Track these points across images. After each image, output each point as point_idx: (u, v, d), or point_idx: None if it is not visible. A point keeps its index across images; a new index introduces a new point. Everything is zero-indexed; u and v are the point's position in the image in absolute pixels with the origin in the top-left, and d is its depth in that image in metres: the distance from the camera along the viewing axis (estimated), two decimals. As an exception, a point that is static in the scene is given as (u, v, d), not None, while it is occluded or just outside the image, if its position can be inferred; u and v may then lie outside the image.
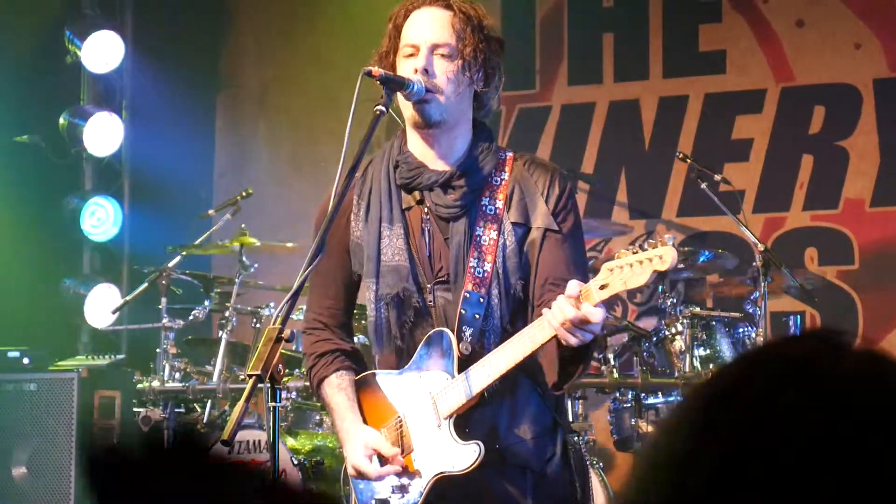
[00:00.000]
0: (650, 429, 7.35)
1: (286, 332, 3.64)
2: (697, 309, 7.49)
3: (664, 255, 3.66)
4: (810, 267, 8.81)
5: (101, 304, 9.61)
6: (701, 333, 7.34)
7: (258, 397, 4.79)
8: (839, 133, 8.91)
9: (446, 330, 4.07)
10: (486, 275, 4.09)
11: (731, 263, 7.77)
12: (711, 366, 7.27)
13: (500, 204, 4.12)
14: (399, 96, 4.00)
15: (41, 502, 8.40)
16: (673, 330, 7.35)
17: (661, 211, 9.22)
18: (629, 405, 7.38)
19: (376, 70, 3.90)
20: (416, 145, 4.17)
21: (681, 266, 7.49)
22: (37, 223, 9.90)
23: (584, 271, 4.13)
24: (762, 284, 7.23)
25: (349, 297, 4.32)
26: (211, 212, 8.75)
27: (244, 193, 8.47)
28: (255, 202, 8.67)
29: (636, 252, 3.71)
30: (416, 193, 4.16)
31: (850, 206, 8.83)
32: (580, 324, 3.68)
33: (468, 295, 4.06)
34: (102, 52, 9.90)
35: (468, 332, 4.04)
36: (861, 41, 8.88)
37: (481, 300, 4.07)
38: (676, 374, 7.25)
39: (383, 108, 3.92)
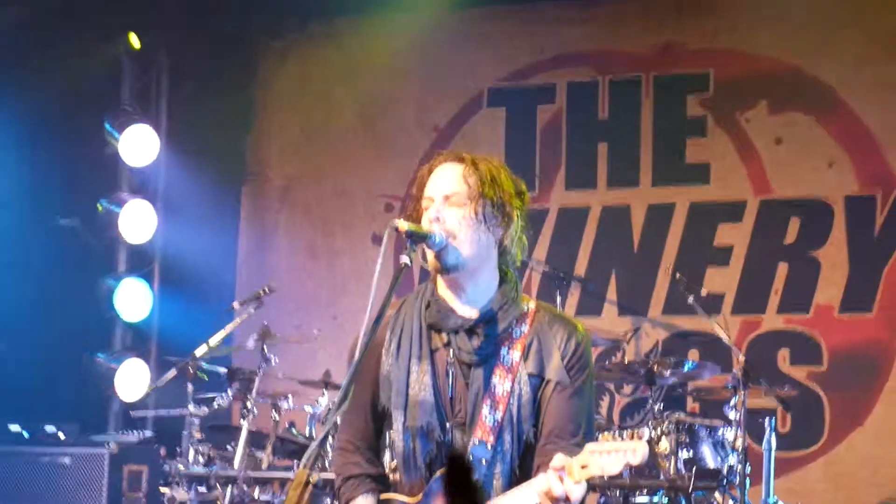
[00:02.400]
0: None
1: (314, 477, 3.61)
2: (682, 415, 7.48)
3: (637, 450, 3.68)
4: (782, 367, 8.82)
5: (131, 378, 9.72)
6: (685, 437, 7.24)
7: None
8: (812, 244, 8.90)
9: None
10: (496, 423, 4.04)
11: (713, 372, 7.73)
12: (694, 467, 7.16)
13: (517, 356, 4.08)
14: (422, 247, 4.01)
15: None
16: (659, 431, 7.21)
17: (647, 310, 9.16)
18: (616, 502, 7.31)
19: (402, 225, 3.92)
20: (445, 290, 4.14)
21: (667, 373, 7.48)
22: (73, 300, 10.03)
23: (589, 426, 4.12)
24: (742, 393, 7.24)
25: (378, 424, 4.21)
26: (235, 304, 8.51)
27: (267, 289, 8.33)
28: (278, 297, 8.49)
29: (615, 440, 3.71)
30: (444, 335, 4.11)
31: (821, 311, 8.82)
32: (562, 500, 3.74)
33: (476, 442, 4.01)
34: (139, 144, 10.09)
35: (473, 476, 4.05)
36: (834, 160, 8.91)
37: (489, 447, 4.02)
38: (661, 475, 7.14)
39: (408, 261, 3.92)
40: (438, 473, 4.03)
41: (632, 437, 3.69)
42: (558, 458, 3.75)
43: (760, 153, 9.14)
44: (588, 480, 3.75)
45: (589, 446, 3.74)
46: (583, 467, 3.70)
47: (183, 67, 10.54)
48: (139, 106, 10.23)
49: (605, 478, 4.14)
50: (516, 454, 4.04)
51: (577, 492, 3.71)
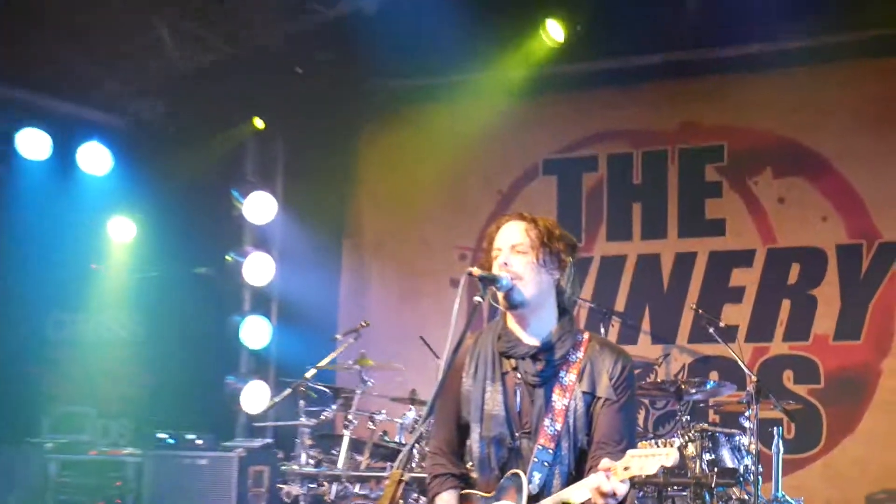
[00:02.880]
0: None
1: (406, 476, 3.74)
2: (706, 424, 7.46)
3: (670, 454, 3.69)
4: (787, 385, 8.81)
5: (254, 396, 9.94)
6: (707, 443, 7.21)
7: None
8: (810, 284, 8.94)
9: (521, 473, 4.02)
10: (556, 433, 4.03)
11: (730, 389, 7.65)
12: (716, 468, 7.15)
13: (573, 377, 4.08)
14: (493, 289, 4.02)
15: None
16: (686, 438, 7.24)
17: (675, 338, 9.16)
18: (652, 495, 7.35)
19: (475, 271, 3.97)
20: (513, 324, 4.14)
21: (692, 391, 7.50)
22: (208, 334, 10.21)
23: (631, 435, 4.08)
24: (755, 405, 7.25)
25: (461, 434, 4.23)
26: (338, 336, 8.51)
27: (364, 324, 8.35)
28: (372, 329, 8.44)
29: (651, 446, 3.75)
30: (512, 361, 4.13)
31: (818, 339, 8.86)
32: (610, 495, 3.75)
33: (540, 447, 4.01)
34: (259, 207, 10.24)
35: (536, 476, 4.01)
36: (827, 215, 8.94)
37: (550, 452, 4.01)
38: (688, 474, 7.15)
39: (480, 300, 3.96)
40: (509, 473, 4.06)
41: (664, 444, 3.73)
42: (605, 461, 3.77)
43: (766, 210, 9.16)
44: (630, 479, 3.76)
45: (630, 452, 3.77)
46: (625, 468, 3.73)
47: (296, 144, 10.59)
48: (260, 175, 10.40)
49: (644, 477, 3.77)
50: (572, 458, 4.05)
51: (621, 488, 3.73)
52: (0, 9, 8.97)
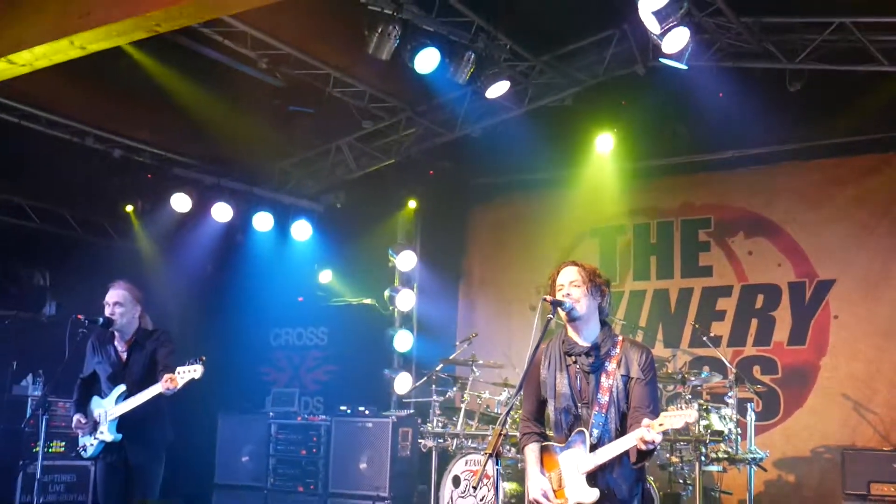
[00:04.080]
0: (674, 459, 7.13)
1: (504, 430, 3.78)
2: (701, 401, 7.36)
3: (691, 414, 3.75)
4: (756, 375, 8.66)
5: (402, 382, 9.78)
6: (703, 413, 7.10)
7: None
8: (771, 308, 8.80)
9: (584, 429, 3.98)
10: (605, 402, 3.96)
11: (718, 378, 7.43)
12: (709, 430, 6.95)
13: (614, 365, 3.99)
14: (559, 310, 4.01)
15: (372, 484, 8.66)
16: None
17: (679, 344, 9.02)
18: (666, 448, 7.10)
19: (549, 298, 4.01)
20: (572, 332, 4.09)
21: (692, 379, 7.29)
22: (373, 341, 10.12)
23: (656, 403, 3.98)
24: (734, 388, 7.25)
25: (541, 406, 4.18)
26: (457, 343, 8.52)
27: (474, 335, 8.39)
28: (479, 338, 8.50)
29: (677, 409, 3.84)
30: (572, 357, 4.06)
31: (777, 345, 8.73)
32: (650, 442, 3.74)
33: (596, 412, 3.96)
34: (406, 260, 10.10)
35: (595, 432, 3.95)
36: (781, 262, 8.81)
37: (602, 415, 3.96)
38: (690, 434, 7.00)
39: (551, 316, 3.99)
40: (576, 430, 4.01)
41: (686, 407, 3.67)
42: (646, 420, 3.75)
43: (740, 259, 9.05)
44: (663, 432, 3.74)
45: (663, 413, 3.77)
46: (660, 424, 3.72)
47: (428, 221, 10.50)
48: (406, 240, 10.37)
49: (671, 431, 3.82)
50: (618, 419, 3.97)
51: (658, 438, 3.72)
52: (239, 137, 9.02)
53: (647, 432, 3.71)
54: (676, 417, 3.70)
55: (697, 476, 6.94)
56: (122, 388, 5.69)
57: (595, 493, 3.88)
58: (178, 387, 5.37)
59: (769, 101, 7.73)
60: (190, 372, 5.37)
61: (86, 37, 5.05)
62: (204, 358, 5.40)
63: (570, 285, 4.04)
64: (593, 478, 3.92)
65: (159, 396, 5.48)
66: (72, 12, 4.99)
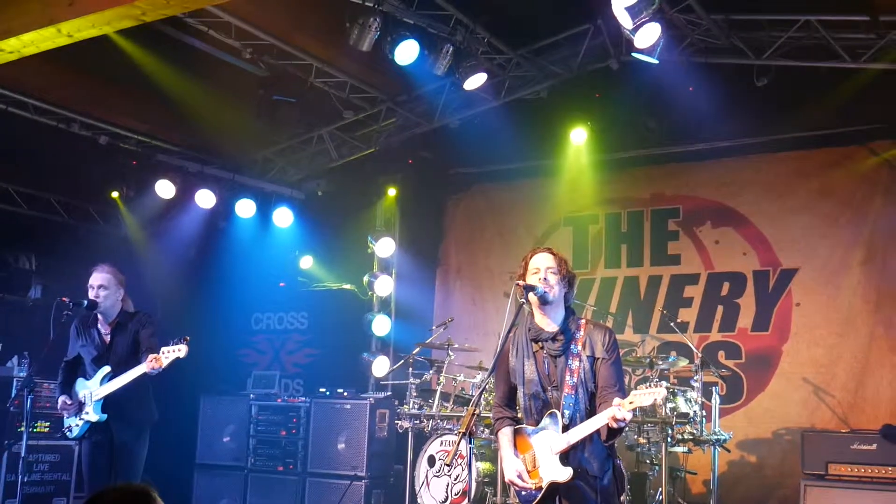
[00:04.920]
0: (641, 440, 7.19)
1: (477, 410, 3.85)
2: (667, 383, 7.27)
3: (659, 392, 3.75)
4: (721, 360, 8.64)
5: (380, 365, 9.72)
6: (670, 396, 7.12)
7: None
8: (736, 295, 8.78)
9: (556, 411, 3.99)
10: (574, 383, 3.97)
11: (684, 362, 7.52)
12: (675, 413, 6.99)
13: (580, 347, 4.00)
14: (531, 294, 4.02)
15: (349, 463, 8.55)
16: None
17: (648, 330, 9.01)
18: (633, 429, 7.21)
19: (521, 283, 4.01)
20: (540, 318, 4.10)
21: (660, 363, 7.39)
22: (351, 325, 9.99)
23: (621, 381, 3.99)
24: (700, 372, 7.22)
25: (512, 391, 4.17)
26: (433, 327, 8.54)
27: (450, 319, 8.42)
28: (454, 323, 8.54)
29: (647, 388, 3.75)
30: (539, 343, 4.08)
31: (741, 331, 8.71)
32: (621, 420, 3.74)
33: (566, 394, 3.97)
34: (384, 247, 9.91)
35: (567, 413, 3.96)
36: (746, 251, 8.79)
37: (572, 396, 3.97)
38: (657, 416, 7.06)
39: (524, 301, 4.01)
40: (548, 412, 4.01)
41: (655, 386, 3.68)
42: (617, 399, 3.76)
43: (707, 248, 9.03)
44: (633, 411, 3.75)
45: (634, 391, 3.76)
46: (630, 402, 3.73)
47: (407, 209, 10.39)
48: (385, 227, 10.27)
49: (639, 411, 3.80)
50: (587, 399, 3.99)
51: (628, 416, 3.73)
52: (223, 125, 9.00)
53: (618, 411, 3.72)
54: (646, 395, 3.73)
55: (664, 457, 6.96)
56: (106, 369, 5.73)
57: (568, 472, 3.90)
58: (164, 366, 5.42)
59: (737, 96, 7.75)
60: (175, 351, 5.41)
61: (73, 25, 5.10)
62: (188, 338, 5.45)
63: (548, 271, 4.05)
64: (566, 457, 3.94)
65: (144, 376, 5.54)
66: (59, 1, 5.02)
